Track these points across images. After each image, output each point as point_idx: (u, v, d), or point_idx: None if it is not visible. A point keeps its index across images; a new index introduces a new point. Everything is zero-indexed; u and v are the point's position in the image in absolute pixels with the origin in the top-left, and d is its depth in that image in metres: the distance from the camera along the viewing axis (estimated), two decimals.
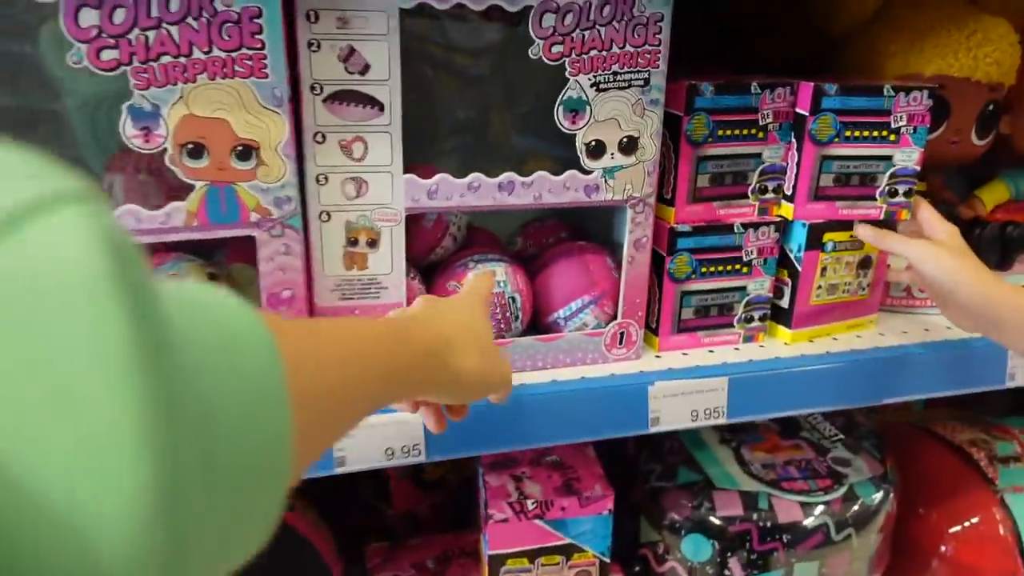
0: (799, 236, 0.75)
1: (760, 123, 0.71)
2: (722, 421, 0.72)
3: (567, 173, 0.65)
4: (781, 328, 0.79)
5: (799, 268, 0.76)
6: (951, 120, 0.86)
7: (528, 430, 0.67)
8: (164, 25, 0.51)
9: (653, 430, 0.70)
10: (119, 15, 0.50)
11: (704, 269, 0.74)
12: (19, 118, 0.65)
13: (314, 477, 0.62)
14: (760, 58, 1.05)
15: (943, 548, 1.01)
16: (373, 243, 0.63)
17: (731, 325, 0.77)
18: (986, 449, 1.10)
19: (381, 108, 0.59)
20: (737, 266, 0.75)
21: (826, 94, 0.70)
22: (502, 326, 0.70)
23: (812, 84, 0.70)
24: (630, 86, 0.64)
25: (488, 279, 0.62)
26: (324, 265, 0.63)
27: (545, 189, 0.65)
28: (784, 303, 0.78)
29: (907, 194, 0.76)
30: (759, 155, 0.72)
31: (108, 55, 0.51)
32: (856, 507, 0.91)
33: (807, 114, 0.71)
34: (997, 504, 1.01)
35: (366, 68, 0.58)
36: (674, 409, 0.70)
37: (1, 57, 0.61)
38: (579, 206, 0.67)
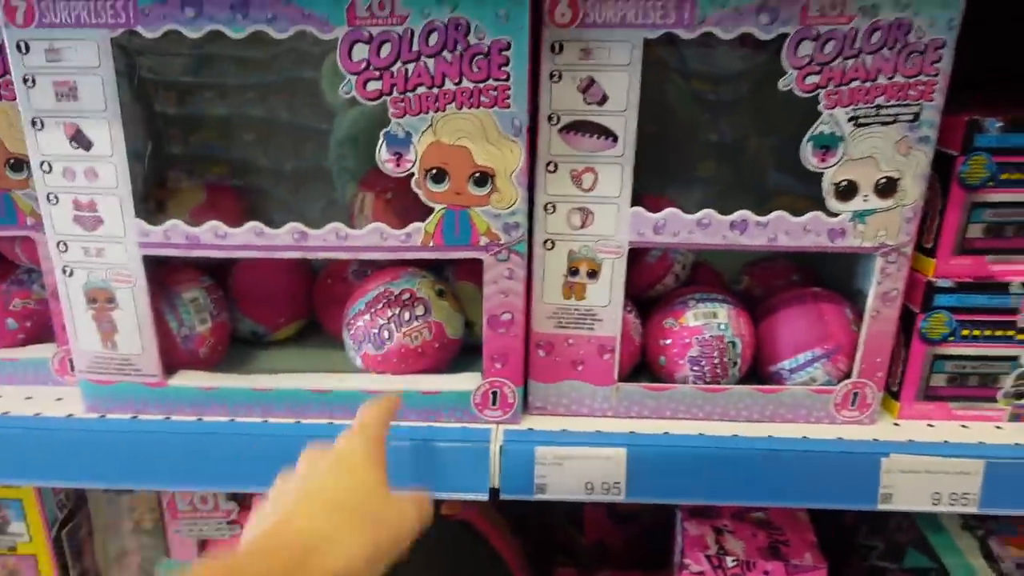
0: None
1: None
2: (971, 510, 0.62)
3: (809, 214, 0.60)
4: None
5: None
6: None
7: (736, 486, 0.62)
8: (423, 58, 0.55)
9: (883, 507, 0.62)
10: (385, 49, 0.55)
11: (966, 332, 0.64)
12: (296, 134, 0.73)
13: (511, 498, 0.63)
14: None
15: None
16: (593, 274, 0.63)
17: (994, 399, 0.66)
18: None
19: (615, 139, 0.58)
20: (1009, 332, 0.64)
21: (982, 131, 0.58)
22: (718, 371, 0.66)
23: (966, 119, 0.58)
24: (896, 121, 0.57)
25: (382, 410, 0.54)
26: (544, 292, 0.64)
27: (782, 230, 0.60)
28: None
29: None
30: None
31: (373, 86, 0.55)
32: None
33: (956, 155, 0.59)
34: None
35: (604, 99, 0.57)
36: (911, 488, 0.62)
37: (288, 82, 0.70)
38: (822, 251, 0.61)
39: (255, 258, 0.61)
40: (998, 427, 0.67)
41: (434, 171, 0.58)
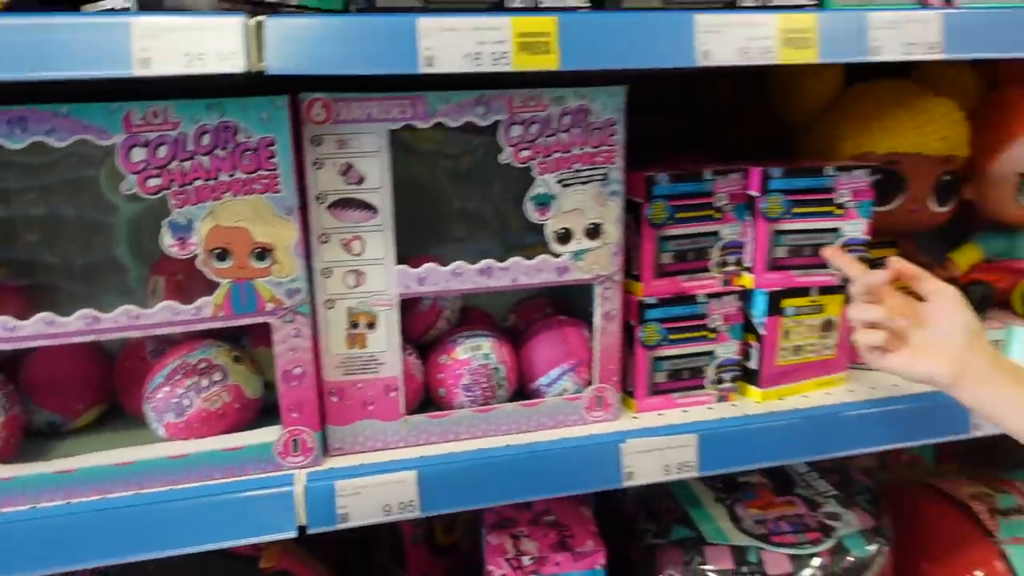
0: (760, 303, 0.83)
1: (715, 205, 0.80)
2: (694, 474, 0.78)
3: (539, 257, 0.75)
4: (752, 388, 0.86)
5: (763, 333, 0.83)
6: (908, 191, 0.93)
7: (512, 486, 0.75)
8: (197, 156, 0.64)
9: (627, 484, 0.77)
10: (162, 151, 0.63)
11: (673, 336, 0.82)
12: (83, 229, 0.78)
13: (330, 538, 0.71)
14: (740, 143, 1.15)
15: None
16: (372, 325, 0.73)
17: (703, 386, 0.85)
18: (987, 502, 1.12)
19: (375, 211, 0.70)
20: (704, 332, 0.83)
21: (772, 176, 0.79)
22: (488, 394, 0.78)
23: (760, 169, 0.79)
24: (591, 181, 0.74)
25: None
26: (330, 345, 0.73)
27: (520, 272, 0.75)
28: (752, 365, 0.86)
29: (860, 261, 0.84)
30: (716, 233, 0.81)
31: (152, 183, 0.63)
32: (846, 560, 0.95)
33: (758, 195, 0.80)
34: (998, 557, 1.04)
35: (362, 179, 0.69)
36: (647, 464, 0.77)
37: (74, 182, 0.75)
38: (552, 285, 0.76)
39: (47, 347, 0.65)
40: (710, 408, 0.85)
41: (217, 251, 0.66)
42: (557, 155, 0.72)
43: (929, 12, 0.69)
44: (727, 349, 0.84)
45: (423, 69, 0.60)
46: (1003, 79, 0.99)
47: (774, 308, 0.83)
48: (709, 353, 0.84)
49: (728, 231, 0.81)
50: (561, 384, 0.80)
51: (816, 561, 0.94)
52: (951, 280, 1.03)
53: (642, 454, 0.77)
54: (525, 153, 0.71)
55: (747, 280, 0.83)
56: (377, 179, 0.69)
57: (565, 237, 0.75)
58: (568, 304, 0.90)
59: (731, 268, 0.83)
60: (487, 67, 0.59)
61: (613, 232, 0.76)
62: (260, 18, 0.57)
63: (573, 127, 0.72)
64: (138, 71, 0.56)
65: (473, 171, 0.82)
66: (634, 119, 0.74)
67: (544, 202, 0.73)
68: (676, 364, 0.83)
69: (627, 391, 0.84)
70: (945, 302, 0.72)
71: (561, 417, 0.80)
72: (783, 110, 0.98)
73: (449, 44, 0.60)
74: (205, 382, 0.71)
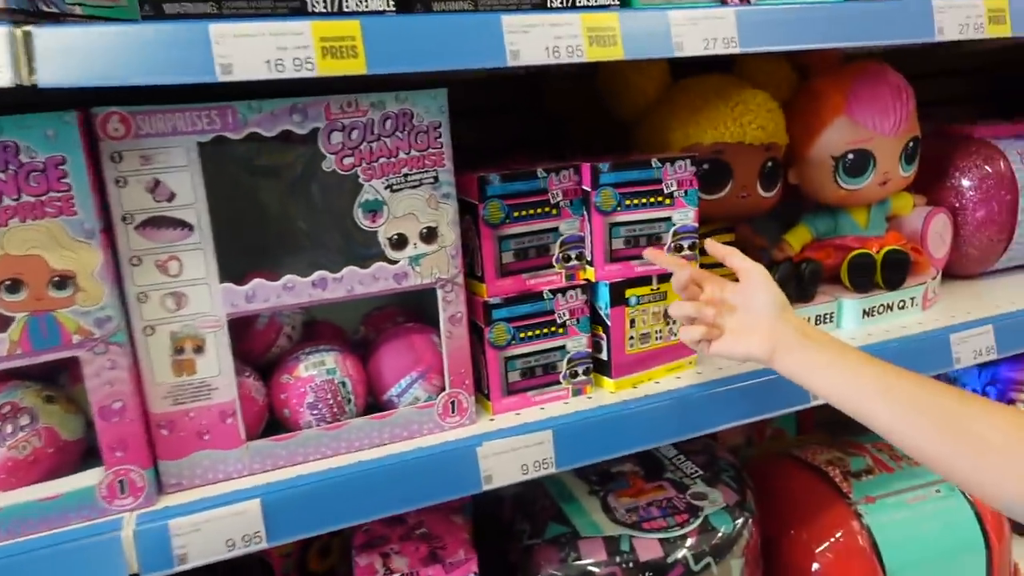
0: (604, 295, 0.85)
1: (552, 202, 0.81)
2: (552, 471, 0.78)
3: (375, 265, 0.73)
4: (605, 379, 0.88)
5: (609, 324, 0.85)
6: (735, 179, 0.98)
7: (365, 503, 0.72)
8: None
9: (487, 487, 0.76)
10: None
11: (522, 335, 0.82)
12: None
13: None
14: (583, 141, 1.18)
15: (814, 567, 1.09)
16: (199, 349, 0.69)
17: (558, 382, 0.85)
18: (841, 466, 1.19)
19: (191, 228, 0.66)
20: (553, 328, 0.84)
21: (602, 171, 0.81)
22: (336, 411, 0.76)
23: (589, 165, 0.81)
24: (421, 184, 0.73)
25: None
26: (155, 374, 0.68)
27: (356, 282, 0.73)
28: (604, 356, 0.87)
29: (691, 247, 0.87)
30: (556, 229, 0.82)
31: None
32: (713, 538, 0.98)
33: (590, 190, 0.81)
34: (854, 517, 1.10)
35: (172, 196, 0.65)
36: (505, 466, 0.77)
37: None
38: (391, 293, 0.75)
39: None
40: (566, 403, 0.86)
41: (8, 282, 0.60)
42: (383, 160, 0.71)
43: (726, 9, 0.73)
44: (577, 343, 0.85)
45: (221, 77, 0.57)
46: (813, 70, 1.06)
47: (617, 299, 0.85)
48: (560, 348, 0.85)
49: (566, 227, 0.83)
50: (412, 393, 0.79)
51: (686, 542, 0.97)
52: (786, 259, 1.10)
53: (499, 456, 0.77)
54: (349, 160, 0.70)
55: (590, 273, 0.85)
56: (190, 195, 0.65)
57: (400, 243, 0.74)
58: (420, 311, 0.88)
59: (573, 263, 0.84)
60: (289, 73, 0.57)
61: (449, 235, 0.75)
62: (28, 28, 0.53)
63: (397, 131, 0.71)
64: None
65: (303, 182, 0.79)
66: (483, 121, 0.74)
67: (374, 208, 0.72)
68: (528, 362, 0.83)
69: (483, 393, 0.84)
70: (752, 281, 0.76)
71: (415, 427, 0.79)
72: (615, 106, 1.01)
73: (247, 50, 0.57)
74: (10, 428, 0.64)
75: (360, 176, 0.71)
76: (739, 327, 0.75)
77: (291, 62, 0.58)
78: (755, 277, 0.75)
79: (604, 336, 0.86)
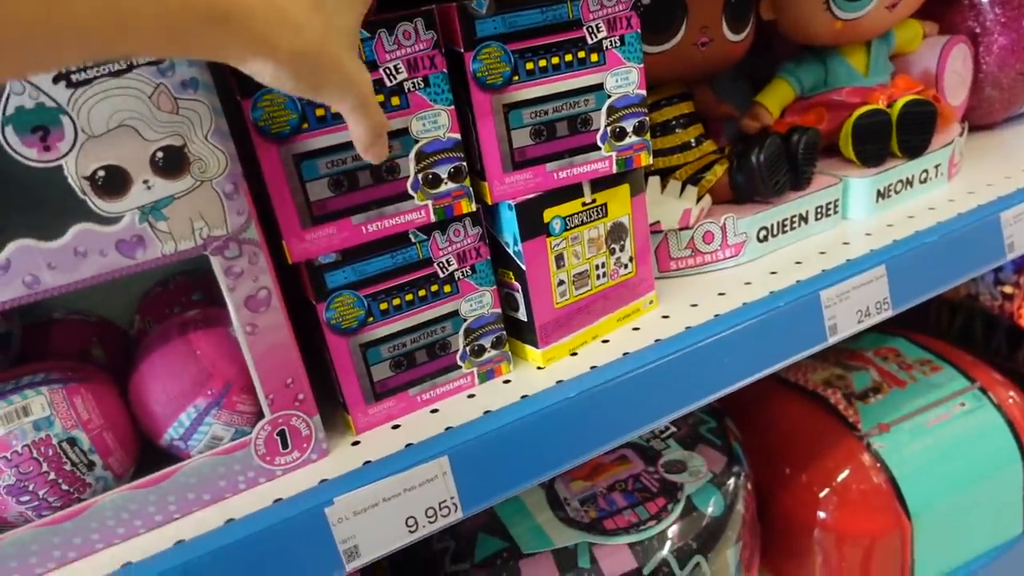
0: (510, 223, 0.53)
1: (389, 84, 0.46)
2: (454, 519, 0.49)
3: (71, 232, 0.39)
4: (528, 348, 0.57)
5: (523, 266, 0.53)
6: (691, 16, 0.65)
7: None
8: None
9: (352, 565, 0.46)
10: None
11: (383, 305, 0.50)
12: None
13: None
14: None
15: (820, 515, 0.85)
16: None
17: (456, 366, 0.54)
18: (841, 386, 0.94)
19: None
20: (433, 288, 0.52)
21: (478, 16, 0.47)
22: (67, 489, 0.43)
23: (456, 6, 0.47)
24: (131, 69, 0.38)
25: None
26: None
27: (39, 266, 0.39)
28: (521, 315, 0.56)
29: (639, 131, 0.54)
30: (404, 131, 0.48)
31: None
32: (700, 525, 0.72)
33: (462, 51, 0.47)
34: (864, 451, 0.86)
35: None
36: (374, 528, 0.46)
37: None
38: (117, 276, 0.41)
39: None
40: (471, 396, 0.55)
41: None
42: None
43: None
44: (477, 303, 0.54)
45: None
46: None
47: (533, 226, 0.53)
48: (451, 315, 0.53)
49: (423, 126, 0.48)
50: (206, 431, 0.47)
51: (666, 541, 0.70)
52: (763, 130, 0.79)
53: (363, 514, 0.46)
54: None
55: (483, 192, 0.52)
56: None
57: (115, 184, 0.39)
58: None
59: (447, 186, 0.50)
60: None
61: (213, 156, 0.41)
62: None
63: None
64: None
65: None
66: None
67: (41, 123, 0.37)
68: (402, 345, 0.52)
69: (339, 403, 0.52)
70: None
71: (223, 483, 0.47)
72: None
73: None
74: None
75: None
76: None
77: None
78: None
79: (518, 286, 0.55)
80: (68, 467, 0.43)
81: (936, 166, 0.77)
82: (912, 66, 0.85)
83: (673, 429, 0.83)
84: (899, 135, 0.73)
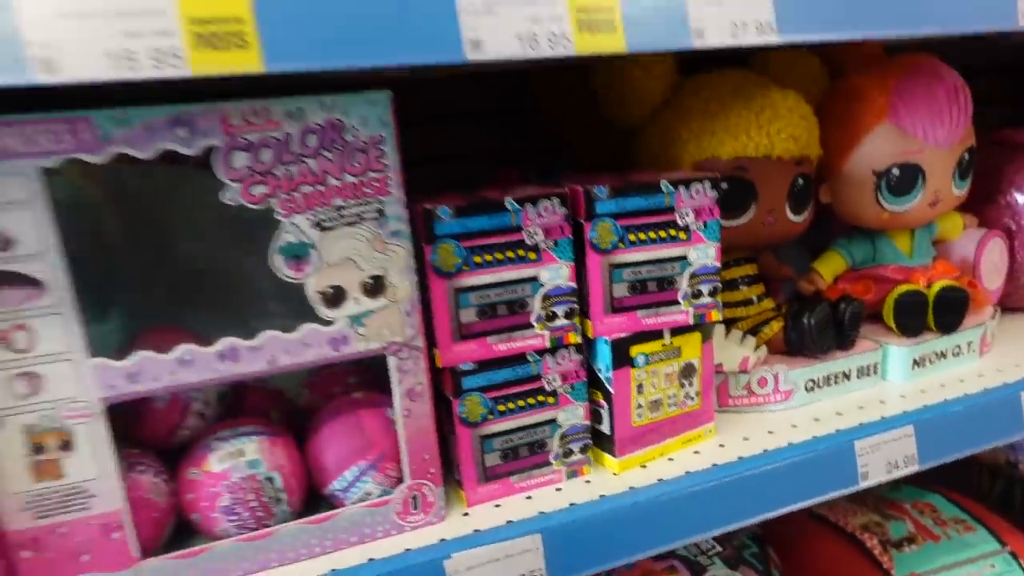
0: (604, 355, 0.67)
1: (528, 243, 0.62)
2: None
3: (304, 328, 0.56)
4: (607, 456, 0.70)
5: (611, 389, 0.67)
6: (760, 200, 0.81)
7: None
8: None
9: None
10: None
11: (502, 407, 0.65)
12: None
13: None
14: (578, 156, 1.00)
15: None
16: (67, 445, 0.51)
17: (548, 463, 0.68)
18: (879, 533, 1.02)
19: (42, 287, 0.49)
20: (541, 397, 0.66)
21: (598, 199, 0.63)
22: (260, 514, 0.58)
23: (582, 190, 0.63)
24: (361, 220, 0.55)
25: None
26: (5, 481, 0.51)
27: (280, 350, 0.55)
28: (605, 428, 0.69)
29: (712, 294, 0.69)
30: (534, 279, 0.64)
31: None
32: None
33: (583, 222, 0.64)
34: None
35: (9, 243, 0.47)
36: None
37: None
38: (330, 362, 0.57)
39: None
40: (559, 489, 0.68)
41: None
42: (306, 189, 0.53)
43: None
44: (571, 414, 0.68)
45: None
46: (849, 65, 0.89)
47: (621, 359, 0.67)
48: (550, 422, 0.67)
49: (549, 275, 0.64)
50: (362, 487, 0.61)
51: None
52: (817, 293, 0.93)
53: (474, 570, 0.59)
54: (260, 189, 0.52)
55: (587, 328, 0.67)
56: (35, 241, 0.48)
57: (335, 298, 0.56)
58: (380, 369, 0.70)
59: (561, 323, 0.65)
60: (146, 71, 0.40)
61: (403, 286, 0.58)
62: None
63: (324, 149, 0.53)
64: None
65: (199, 218, 0.62)
66: (458, 127, 0.56)
67: (298, 253, 0.54)
68: (510, 440, 0.66)
69: (456, 480, 0.66)
70: None
71: (367, 530, 0.61)
72: (611, 111, 0.84)
73: (80, 39, 0.40)
74: None
75: (277, 211, 0.53)
76: None
77: (149, 53, 0.40)
78: None
79: (605, 405, 0.68)
80: (264, 499, 0.58)
81: (968, 343, 0.89)
82: (953, 252, 0.98)
83: (719, 548, 0.93)
84: (935, 314, 0.86)
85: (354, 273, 0.56)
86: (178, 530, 0.59)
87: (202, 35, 0.40)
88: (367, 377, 0.70)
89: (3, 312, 0.48)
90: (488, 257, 0.61)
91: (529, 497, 0.67)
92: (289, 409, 0.71)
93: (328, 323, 0.56)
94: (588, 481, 0.69)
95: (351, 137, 0.53)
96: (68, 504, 0.53)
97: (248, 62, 0.41)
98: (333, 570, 0.58)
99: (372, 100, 0.53)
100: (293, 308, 0.56)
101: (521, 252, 0.62)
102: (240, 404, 0.67)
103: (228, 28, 0.41)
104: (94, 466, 0.53)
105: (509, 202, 0.60)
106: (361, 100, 0.53)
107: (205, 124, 0.49)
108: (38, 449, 0.51)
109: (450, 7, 0.46)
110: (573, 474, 0.69)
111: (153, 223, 0.61)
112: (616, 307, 0.66)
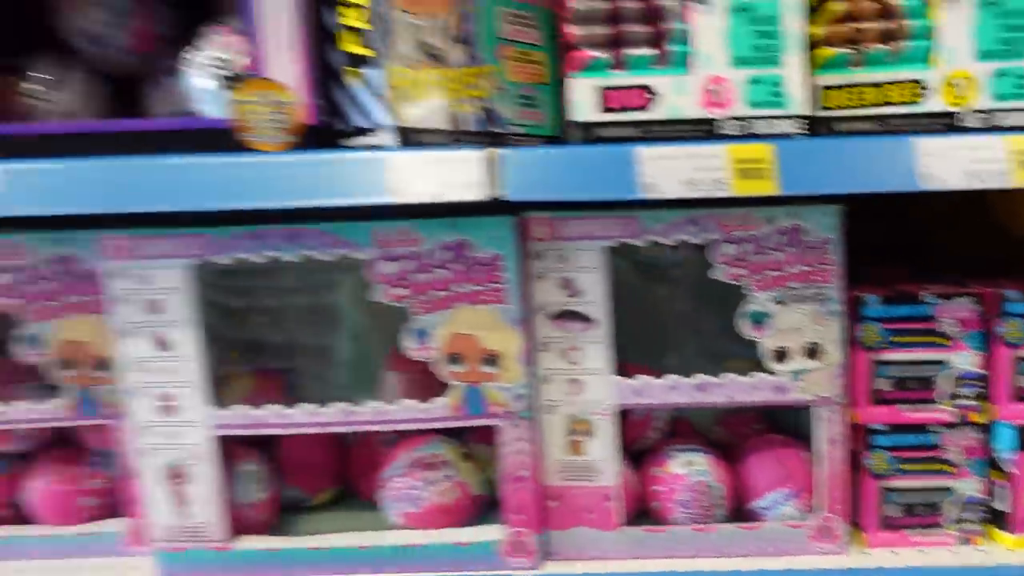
0: (1007, 438, 0.76)
1: (939, 331, 0.75)
2: None
3: (757, 376, 0.75)
4: (1001, 533, 0.77)
5: (1011, 471, 0.75)
6: None
7: None
8: (436, 269, 0.73)
9: None
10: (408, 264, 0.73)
11: (904, 467, 0.77)
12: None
13: None
14: (946, 253, 1.07)
15: None
16: (588, 433, 0.77)
17: (940, 525, 0.77)
18: None
19: (593, 323, 0.75)
20: (940, 466, 0.77)
21: (1008, 300, 0.74)
22: (704, 512, 0.77)
23: (998, 292, 0.75)
24: (807, 299, 0.74)
25: None
26: (551, 450, 0.77)
27: (737, 390, 0.75)
28: (1000, 506, 0.77)
29: None
30: (943, 362, 0.75)
31: (397, 292, 0.74)
32: None
33: (996, 319, 0.75)
34: None
35: (580, 292, 0.75)
36: None
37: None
38: (769, 405, 0.76)
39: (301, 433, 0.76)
40: (951, 551, 0.77)
41: (452, 355, 0.74)
42: (771, 273, 0.74)
43: None
44: (968, 486, 0.77)
45: (643, 195, 0.66)
46: None
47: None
48: (947, 489, 0.77)
49: (960, 360, 0.76)
50: (781, 509, 0.77)
51: None
52: None
53: None
54: (738, 271, 0.74)
55: (990, 411, 0.76)
56: (595, 292, 0.75)
57: (782, 356, 0.75)
58: (777, 420, 0.87)
59: (966, 402, 0.76)
60: (704, 192, 0.64)
61: (834, 353, 0.75)
62: (497, 150, 0.66)
63: (787, 246, 0.73)
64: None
65: (691, 287, 0.86)
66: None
67: (759, 319, 0.74)
68: (910, 498, 0.77)
69: (854, 523, 0.79)
70: None
71: (783, 544, 0.77)
72: (1012, 222, 0.92)
73: (667, 171, 0.65)
74: (437, 476, 0.77)
75: (748, 287, 0.74)
76: None
77: (708, 182, 0.64)
78: None
79: (1003, 484, 0.76)
80: (708, 501, 0.77)
81: None
82: None
83: None
84: None
85: (798, 338, 0.75)
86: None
87: (742, 170, 0.64)
88: (768, 426, 0.87)
89: (568, 336, 0.76)
90: (905, 339, 0.75)
91: (922, 551, 0.77)
92: (704, 441, 0.90)
93: (773, 374, 0.75)
94: (981, 551, 0.76)
95: (807, 238, 0.73)
96: (583, 475, 0.77)
97: (767, 188, 0.64)
98: (761, 569, 0.75)
99: (825, 211, 0.73)
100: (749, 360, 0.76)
101: (933, 338, 0.75)
102: (674, 432, 0.88)
103: (758, 166, 0.64)
104: (602, 451, 0.77)
105: (927, 296, 0.74)
106: (817, 211, 0.73)
107: (709, 224, 0.73)
108: (572, 432, 0.77)
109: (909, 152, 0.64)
110: (965, 541, 0.77)
111: (663, 287, 0.88)
112: (1022, 396, 0.75)
